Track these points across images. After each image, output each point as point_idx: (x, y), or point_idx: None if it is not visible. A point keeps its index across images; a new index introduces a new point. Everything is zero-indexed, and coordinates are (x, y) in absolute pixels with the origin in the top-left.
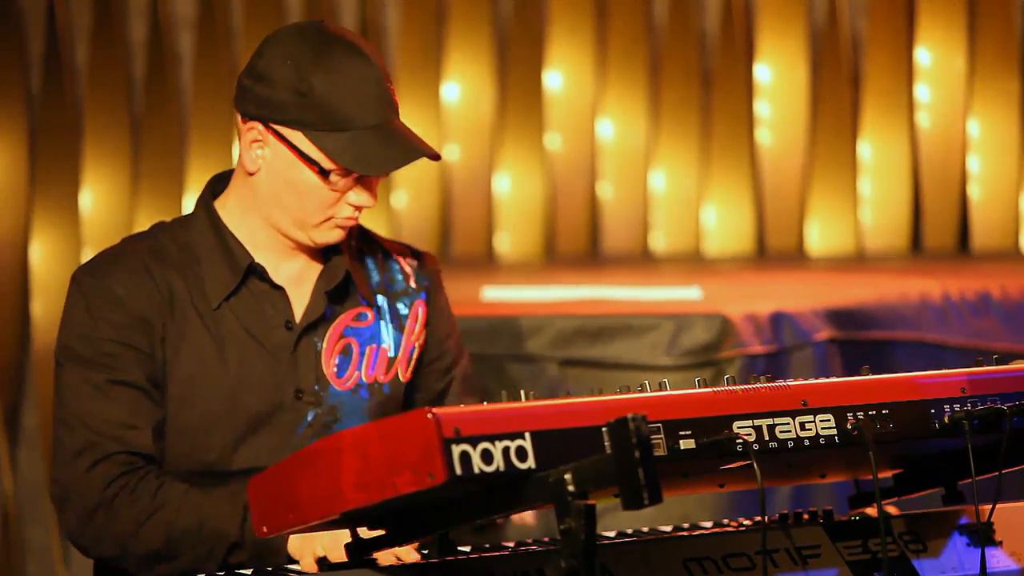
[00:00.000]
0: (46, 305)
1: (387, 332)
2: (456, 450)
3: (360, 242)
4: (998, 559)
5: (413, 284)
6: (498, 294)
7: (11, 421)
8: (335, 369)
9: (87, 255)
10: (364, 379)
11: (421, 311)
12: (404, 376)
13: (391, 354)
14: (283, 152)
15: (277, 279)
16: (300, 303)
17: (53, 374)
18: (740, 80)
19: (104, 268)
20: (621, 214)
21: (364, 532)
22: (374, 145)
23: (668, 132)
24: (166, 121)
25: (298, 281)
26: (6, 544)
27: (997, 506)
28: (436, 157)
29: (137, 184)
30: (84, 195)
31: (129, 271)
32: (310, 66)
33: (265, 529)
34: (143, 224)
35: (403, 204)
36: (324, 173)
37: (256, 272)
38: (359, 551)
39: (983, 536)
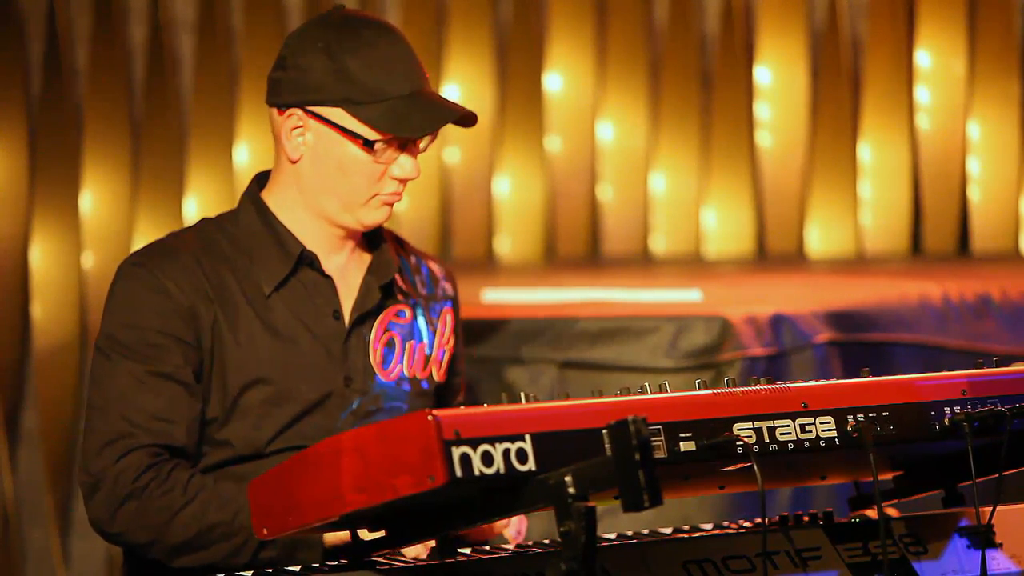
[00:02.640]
0: (46, 307)
1: (424, 331)
2: (456, 452)
3: (395, 244)
4: (998, 561)
5: (442, 292)
6: (498, 296)
7: (11, 422)
8: (381, 360)
9: (87, 258)
10: (405, 372)
11: (450, 318)
12: (439, 376)
13: (427, 352)
14: (325, 132)
15: (324, 269)
16: (346, 294)
17: (92, 361)
18: (740, 82)
19: (152, 259)
20: (621, 216)
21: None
22: (412, 110)
23: (668, 134)
24: (166, 124)
25: (343, 273)
26: (5, 545)
27: (997, 508)
28: (472, 118)
29: (137, 187)
30: (84, 198)
31: (177, 262)
32: (339, 46)
33: (265, 531)
34: (143, 227)
35: (403, 206)
36: (368, 144)
37: (307, 261)
38: (359, 553)
39: (983, 538)
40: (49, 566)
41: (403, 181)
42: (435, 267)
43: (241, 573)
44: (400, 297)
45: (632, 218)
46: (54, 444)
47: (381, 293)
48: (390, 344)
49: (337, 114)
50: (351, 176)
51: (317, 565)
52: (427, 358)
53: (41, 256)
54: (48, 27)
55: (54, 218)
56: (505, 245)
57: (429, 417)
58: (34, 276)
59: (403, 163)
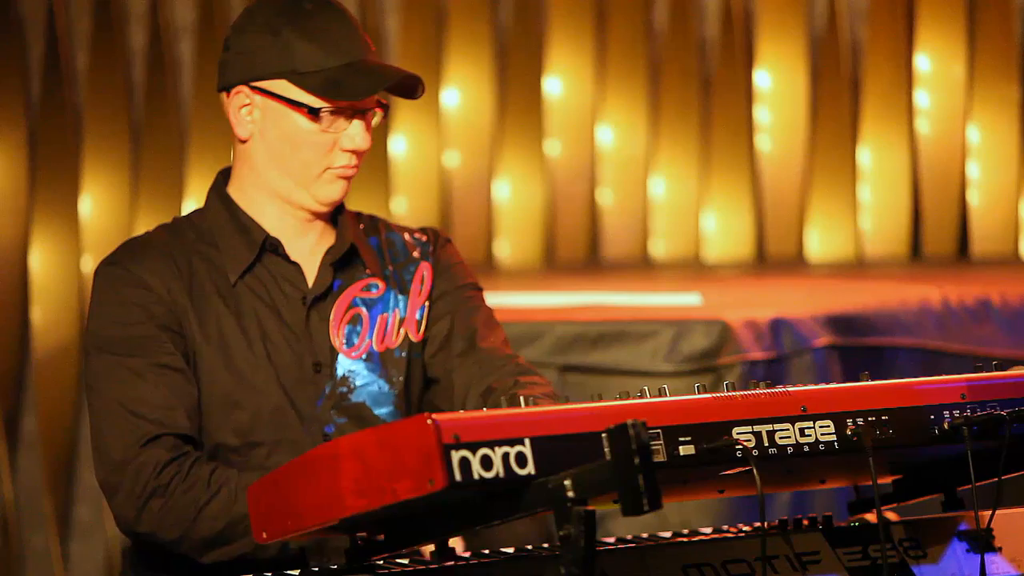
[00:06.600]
0: (45, 311)
1: (396, 299)
2: (456, 456)
3: (366, 224)
4: (998, 565)
5: (416, 253)
6: (497, 300)
7: (10, 426)
8: (343, 340)
9: (87, 261)
10: (375, 347)
11: (427, 273)
12: (415, 336)
13: (400, 316)
14: (271, 106)
15: (291, 255)
16: (312, 279)
17: (84, 367)
18: (740, 86)
19: (127, 256)
20: (621, 220)
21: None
22: (351, 77)
23: (668, 138)
24: (166, 127)
25: (309, 258)
26: (5, 549)
27: (997, 512)
28: (415, 82)
29: (137, 190)
30: (84, 201)
31: (150, 256)
32: (280, 20)
33: (264, 535)
34: (143, 230)
35: (402, 210)
36: (313, 113)
37: (271, 247)
38: (357, 556)
39: (983, 542)
40: (49, 569)
41: (354, 152)
42: (408, 236)
43: (240, 574)
44: (368, 272)
45: (632, 222)
46: (53, 448)
47: (334, 271)
48: (355, 321)
49: (281, 86)
50: (300, 149)
51: (317, 568)
52: (401, 322)
53: (41, 260)
54: (48, 30)
55: (54, 222)
56: (504, 249)
57: (428, 421)
58: (34, 280)
59: (352, 133)
